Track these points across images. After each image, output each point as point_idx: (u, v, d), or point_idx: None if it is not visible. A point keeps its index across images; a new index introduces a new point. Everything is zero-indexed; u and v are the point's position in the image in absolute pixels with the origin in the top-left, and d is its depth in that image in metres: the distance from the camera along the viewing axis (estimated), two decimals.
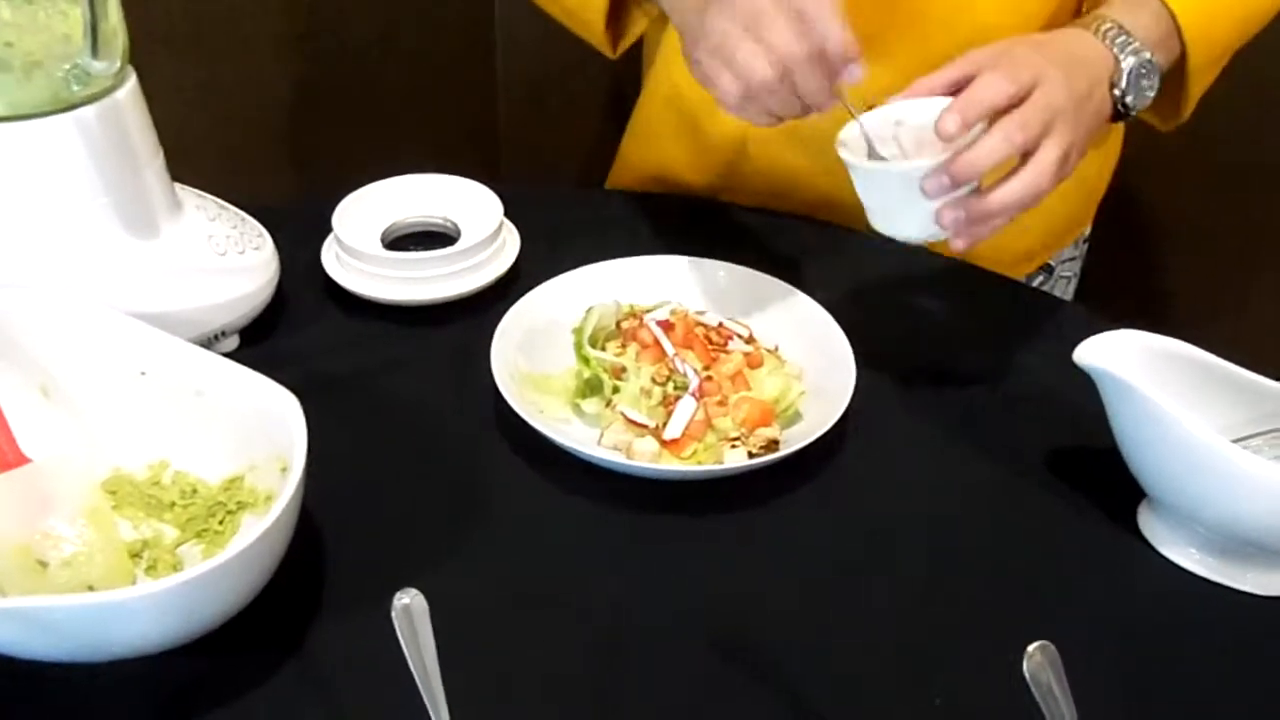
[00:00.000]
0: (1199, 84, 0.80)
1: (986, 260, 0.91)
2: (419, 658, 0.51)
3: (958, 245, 0.68)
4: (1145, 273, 1.48)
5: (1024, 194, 0.66)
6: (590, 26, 0.89)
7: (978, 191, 0.67)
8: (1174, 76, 0.78)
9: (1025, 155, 0.66)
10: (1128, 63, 0.72)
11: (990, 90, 0.65)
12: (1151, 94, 0.74)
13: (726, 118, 0.92)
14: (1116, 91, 0.72)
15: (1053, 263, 1.03)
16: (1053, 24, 0.84)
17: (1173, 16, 0.74)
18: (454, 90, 1.56)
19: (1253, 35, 0.82)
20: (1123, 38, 0.72)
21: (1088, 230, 1.05)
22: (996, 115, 0.65)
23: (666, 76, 0.96)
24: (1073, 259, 1.05)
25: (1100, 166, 0.99)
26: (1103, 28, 0.73)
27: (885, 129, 0.70)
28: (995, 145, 0.64)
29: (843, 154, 0.68)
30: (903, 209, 0.68)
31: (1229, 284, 1.42)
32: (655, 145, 1.00)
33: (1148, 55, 0.72)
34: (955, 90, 0.67)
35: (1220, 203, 1.37)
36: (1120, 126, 0.97)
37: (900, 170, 0.67)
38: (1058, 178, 0.67)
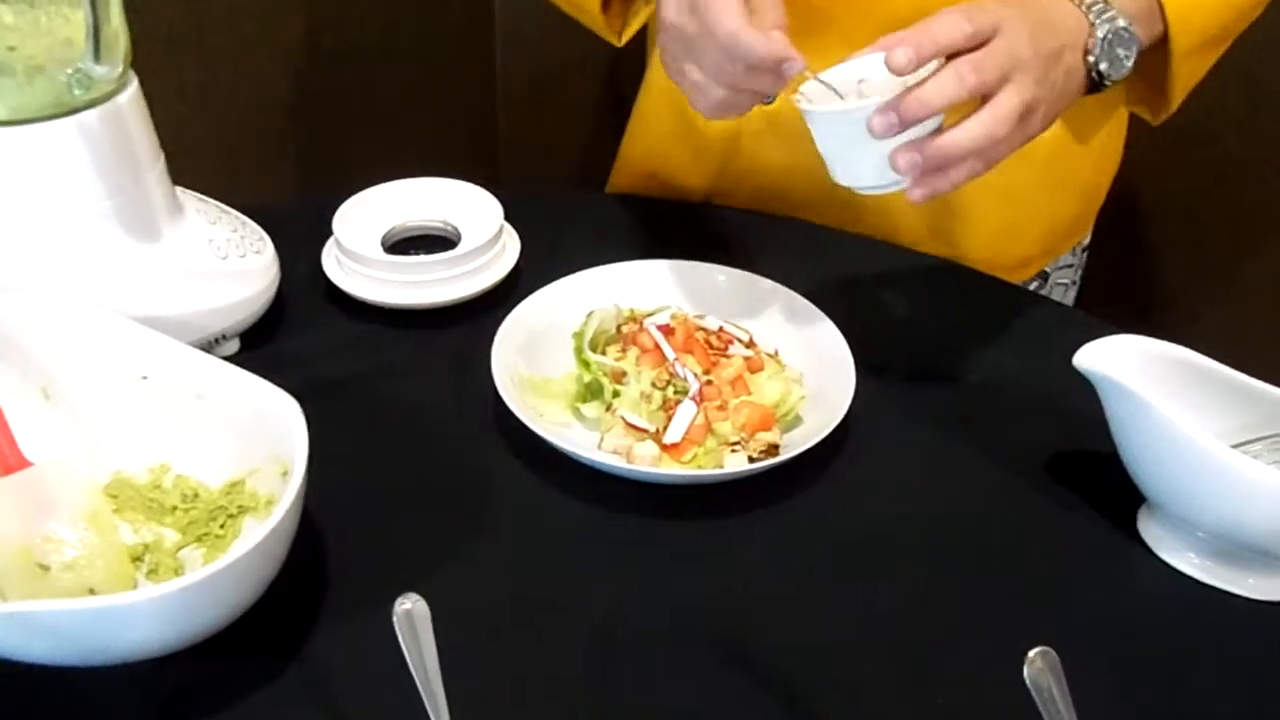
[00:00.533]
0: (1184, 70, 0.79)
1: (983, 265, 0.91)
2: (420, 662, 0.51)
3: (914, 195, 0.66)
4: (1143, 279, 1.48)
5: (979, 137, 0.64)
6: (589, 13, 0.89)
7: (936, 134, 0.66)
8: (1159, 61, 0.78)
9: (984, 101, 0.65)
10: (1102, 29, 0.70)
11: (945, 26, 0.63)
12: (1128, 64, 0.72)
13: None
14: (1090, 58, 0.71)
15: (1048, 269, 1.03)
16: None
17: None
18: (454, 93, 1.56)
19: (1241, 28, 0.81)
20: (1099, 5, 0.71)
21: (1087, 239, 1.05)
22: (967, 43, 0.64)
23: (661, 76, 0.96)
24: (1070, 266, 1.05)
25: (1099, 172, 0.99)
26: None
27: (849, 86, 0.69)
28: (945, 82, 0.63)
29: (798, 102, 0.67)
30: (858, 154, 0.67)
31: (1226, 289, 1.42)
32: (653, 142, 1.01)
33: (1123, 23, 0.71)
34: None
35: (1218, 208, 1.37)
36: (1120, 133, 0.97)
37: (849, 109, 0.65)
38: (1020, 132, 0.66)
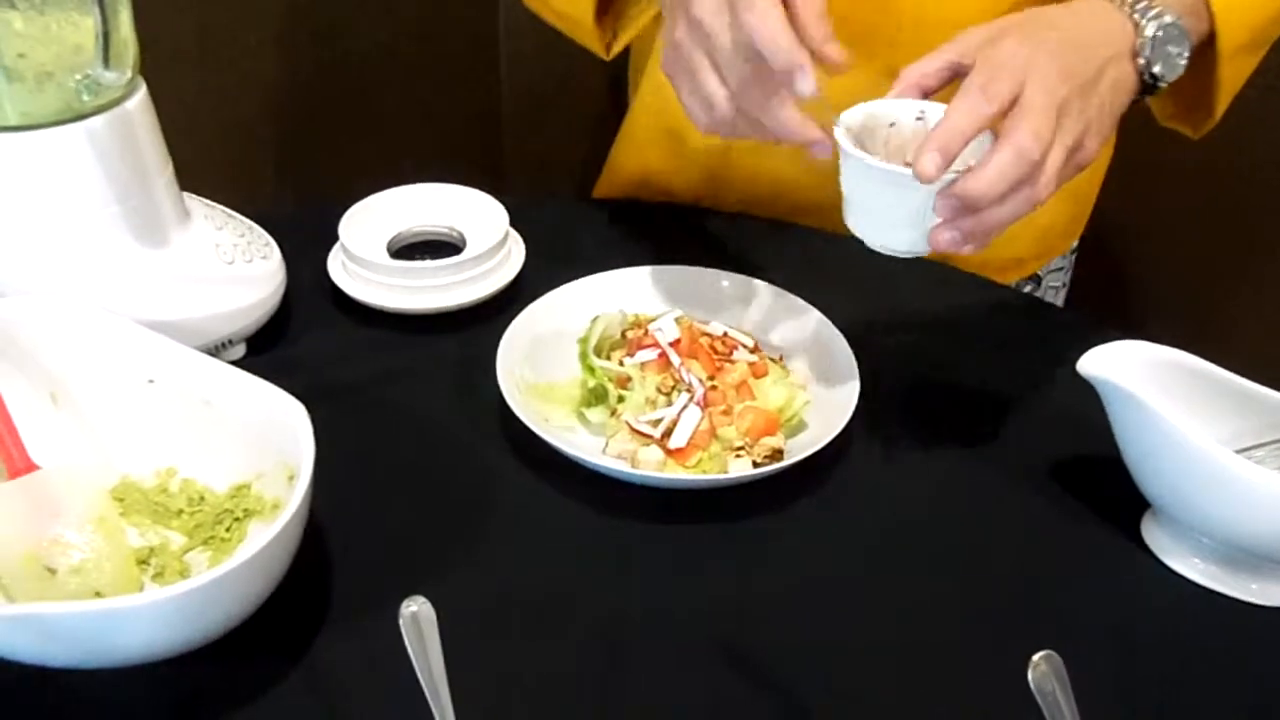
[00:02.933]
0: (1231, 71, 0.75)
1: (973, 265, 0.91)
2: (426, 665, 0.51)
3: (966, 250, 0.64)
4: (1133, 281, 1.48)
5: (1022, 205, 0.62)
6: (580, 26, 0.87)
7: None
8: (1203, 65, 0.73)
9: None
10: (1150, 28, 0.66)
11: (967, 118, 0.60)
12: (1182, 62, 0.68)
13: None
14: (1141, 61, 0.66)
15: (1040, 273, 1.03)
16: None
17: None
18: (459, 100, 1.57)
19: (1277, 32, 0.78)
20: (1144, 3, 0.66)
21: (1076, 241, 1.06)
22: (994, 121, 0.61)
23: (652, 86, 0.96)
24: (1060, 269, 1.05)
25: (1091, 175, 0.99)
26: None
27: (879, 129, 0.67)
28: (1001, 168, 0.59)
29: (840, 137, 0.63)
30: (891, 216, 0.64)
31: (1217, 292, 1.42)
32: (640, 152, 1.01)
33: (1171, 19, 0.66)
34: (948, 78, 0.64)
35: (1208, 211, 1.37)
36: (1112, 138, 0.97)
37: (897, 172, 0.61)
38: (1072, 165, 0.63)
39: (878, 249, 0.66)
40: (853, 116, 0.66)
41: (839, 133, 0.64)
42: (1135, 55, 0.66)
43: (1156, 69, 0.67)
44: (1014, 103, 0.61)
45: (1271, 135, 1.26)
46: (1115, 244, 1.43)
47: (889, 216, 0.64)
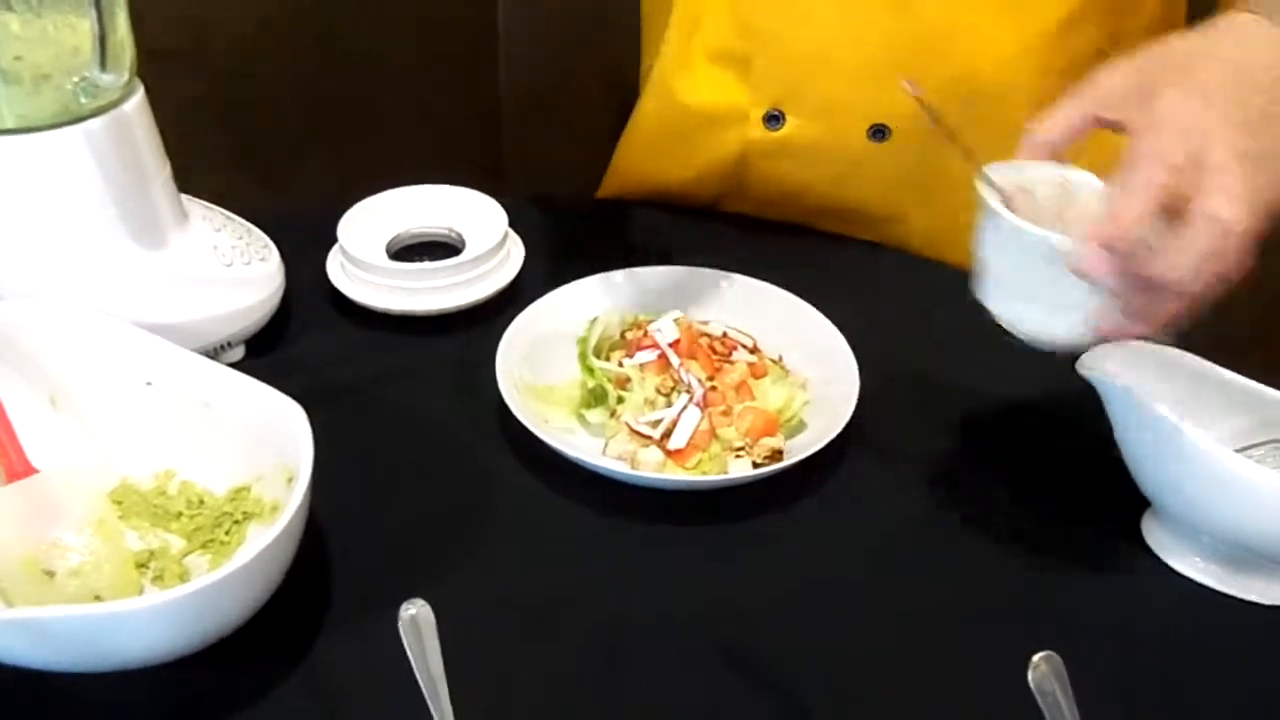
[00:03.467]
0: None
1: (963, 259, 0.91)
2: (425, 668, 0.51)
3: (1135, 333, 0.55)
4: None
5: (1217, 280, 0.51)
6: None
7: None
8: None
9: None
10: None
11: (1142, 199, 0.51)
12: None
13: (728, 135, 0.92)
14: None
15: None
16: (1069, 27, 0.81)
17: None
18: (458, 101, 1.57)
19: None
20: None
21: None
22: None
23: (664, 88, 0.95)
24: None
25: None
26: None
27: (1016, 195, 0.57)
28: (1201, 241, 0.50)
29: (987, 195, 0.54)
30: (1052, 296, 0.53)
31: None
32: (651, 161, 0.99)
33: None
34: (1083, 133, 0.55)
35: None
36: None
37: (1060, 242, 0.52)
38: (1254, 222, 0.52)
39: (1027, 339, 0.57)
40: (1002, 175, 0.56)
41: (985, 191, 0.55)
42: None
43: None
44: (1194, 167, 0.51)
45: None
46: None
47: (1050, 296, 0.54)
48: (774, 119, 0.90)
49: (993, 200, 0.54)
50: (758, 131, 0.91)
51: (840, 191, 0.83)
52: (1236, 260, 0.51)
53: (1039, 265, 0.53)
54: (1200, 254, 0.50)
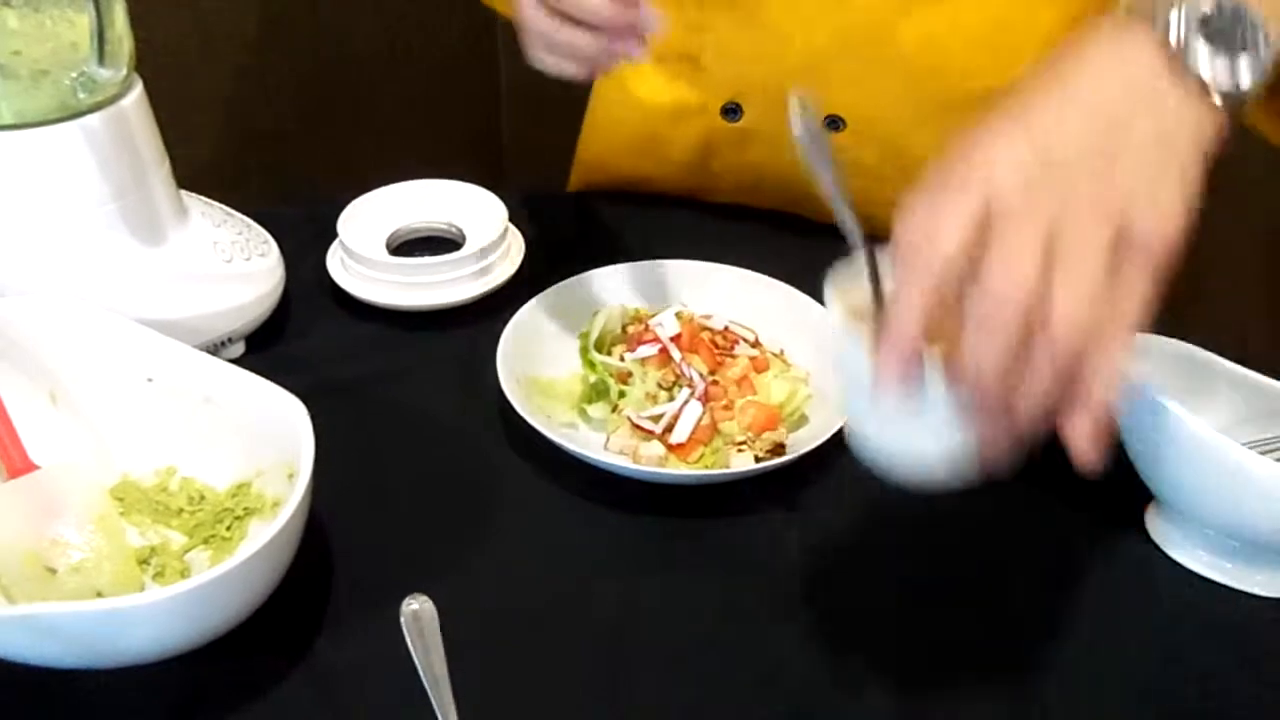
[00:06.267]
0: None
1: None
2: (428, 663, 0.51)
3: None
4: None
5: (1064, 359, 0.44)
6: None
7: None
8: None
9: None
10: (1175, 15, 0.46)
11: (911, 305, 0.44)
12: (1261, 44, 0.46)
13: (689, 127, 0.93)
14: (1186, 64, 0.46)
15: None
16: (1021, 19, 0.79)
17: None
18: (457, 96, 1.56)
19: None
20: None
21: None
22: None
23: (620, 87, 0.95)
24: None
25: None
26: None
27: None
28: (980, 330, 0.43)
29: (834, 311, 0.47)
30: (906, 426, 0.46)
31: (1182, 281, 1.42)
32: (614, 156, 0.99)
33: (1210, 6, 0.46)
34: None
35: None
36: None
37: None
38: (1142, 279, 0.44)
39: (901, 479, 0.49)
40: (852, 289, 0.48)
41: (833, 306, 0.47)
42: (1176, 71, 0.46)
43: (1204, 71, 0.46)
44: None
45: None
46: None
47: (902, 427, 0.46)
48: (731, 111, 0.90)
49: (839, 319, 0.45)
50: (718, 123, 0.92)
51: (807, 178, 0.83)
52: (1072, 322, 0.43)
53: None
54: (981, 344, 0.43)
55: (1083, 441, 0.46)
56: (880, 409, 0.45)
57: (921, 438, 0.46)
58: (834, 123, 0.87)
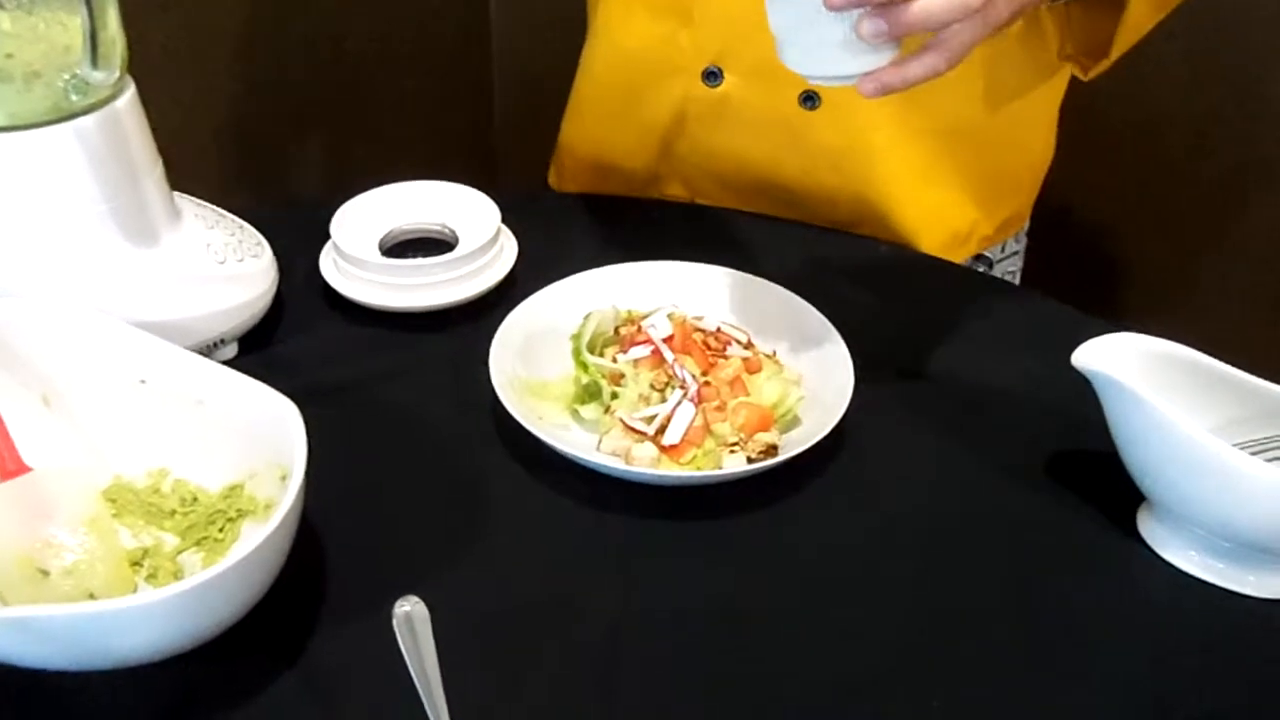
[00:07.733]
0: (1138, 14, 0.77)
1: (923, 237, 0.93)
2: (420, 664, 0.51)
3: (866, 89, 0.60)
4: (1087, 268, 1.48)
5: (954, 8, 0.56)
6: None
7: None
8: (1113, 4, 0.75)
9: None
10: None
11: None
12: None
13: (670, 87, 0.94)
14: None
15: (990, 255, 1.03)
16: None
17: None
18: (450, 98, 1.57)
19: None
20: None
21: (1027, 224, 1.06)
22: None
23: (608, 37, 0.96)
24: (1015, 253, 1.06)
25: (1044, 141, 1.00)
26: None
27: None
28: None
29: None
30: (813, 34, 0.59)
31: (1173, 277, 1.42)
32: (592, 125, 1.00)
33: None
34: None
35: (1158, 197, 1.37)
36: (1054, 115, 0.97)
37: None
38: (982, 20, 0.59)
39: (811, 80, 0.63)
40: None
41: None
42: None
43: None
44: None
45: (1203, 106, 1.27)
46: (1068, 226, 1.43)
47: (813, 35, 0.60)
48: (712, 75, 0.92)
49: None
50: (698, 88, 0.93)
51: (773, 166, 0.84)
52: (980, 35, 0.57)
53: (804, 14, 0.59)
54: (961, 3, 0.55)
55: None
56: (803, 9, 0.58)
57: (833, 30, 0.59)
58: (809, 98, 0.89)
